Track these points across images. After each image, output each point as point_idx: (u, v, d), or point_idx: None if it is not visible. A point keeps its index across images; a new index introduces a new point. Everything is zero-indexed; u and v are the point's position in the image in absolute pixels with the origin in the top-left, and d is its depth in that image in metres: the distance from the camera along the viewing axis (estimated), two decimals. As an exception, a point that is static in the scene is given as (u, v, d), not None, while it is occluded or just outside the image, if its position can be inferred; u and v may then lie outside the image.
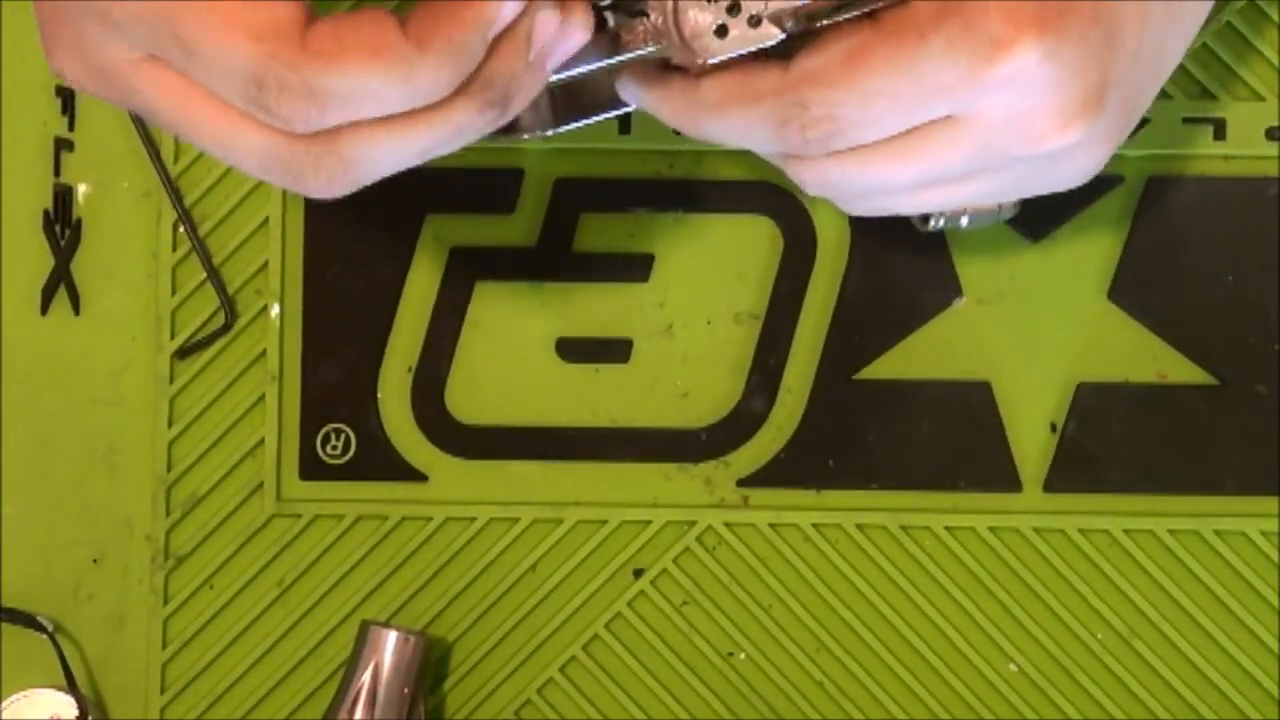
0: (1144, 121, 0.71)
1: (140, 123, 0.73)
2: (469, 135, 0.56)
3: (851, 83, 0.56)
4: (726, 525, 0.72)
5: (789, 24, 0.57)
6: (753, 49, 0.57)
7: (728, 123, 0.58)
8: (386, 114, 0.55)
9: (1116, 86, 0.57)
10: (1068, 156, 0.58)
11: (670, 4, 0.57)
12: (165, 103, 0.57)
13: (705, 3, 0.57)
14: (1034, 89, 0.55)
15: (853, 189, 0.59)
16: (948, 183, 0.58)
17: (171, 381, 0.73)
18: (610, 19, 0.58)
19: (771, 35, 0.57)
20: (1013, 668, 0.72)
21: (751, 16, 0.57)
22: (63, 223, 0.73)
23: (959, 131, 0.56)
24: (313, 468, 0.73)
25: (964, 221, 0.62)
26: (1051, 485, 0.72)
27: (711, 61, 0.57)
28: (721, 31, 0.57)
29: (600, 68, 0.58)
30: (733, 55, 0.57)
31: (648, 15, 0.58)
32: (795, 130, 0.57)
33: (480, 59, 0.55)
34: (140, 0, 0.55)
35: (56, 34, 0.59)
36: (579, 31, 0.56)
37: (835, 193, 0.59)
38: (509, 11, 0.54)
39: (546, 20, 0.55)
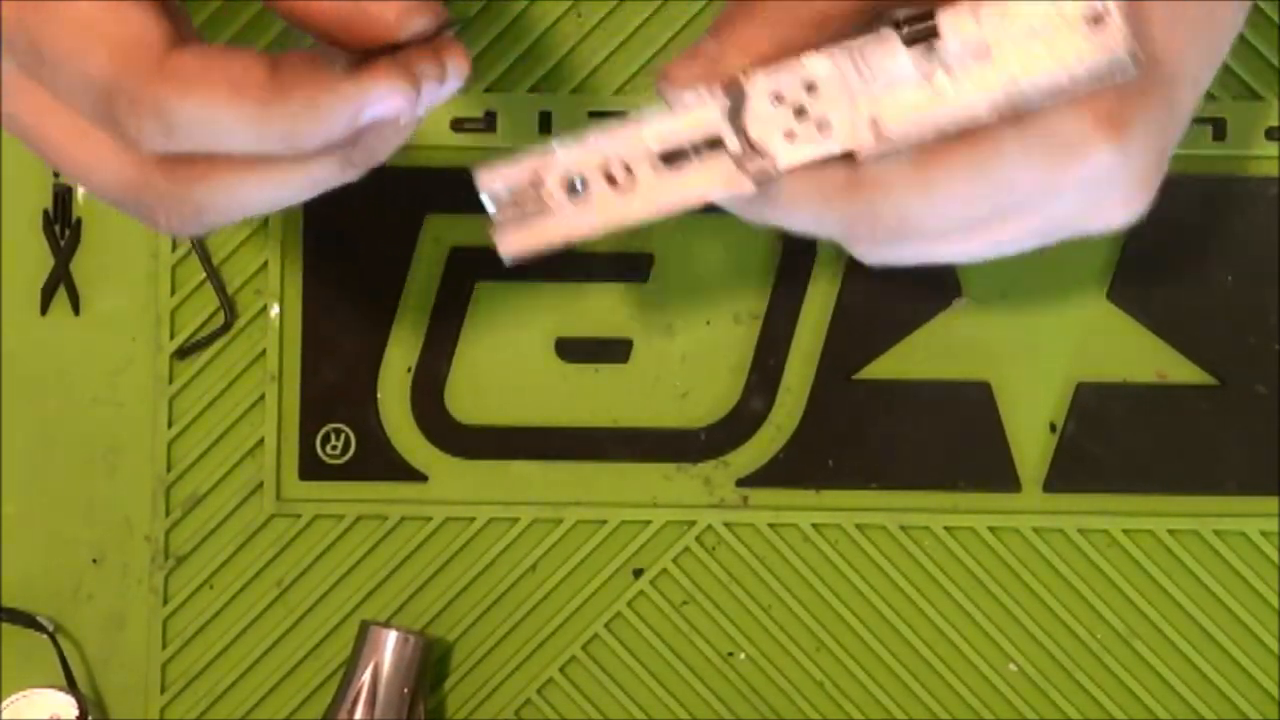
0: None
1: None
2: (327, 187, 0.55)
3: (924, 189, 0.55)
4: (726, 525, 0.72)
5: None
6: (823, 156, 0.55)
7: (794, 218, 0.57)
8: (239, 154, 0.54)
9: (1171, 147, 0.57)
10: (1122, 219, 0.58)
11: (727, 103, 0.55)
12: (29, 119, 0.56)
13: (771, 105, 0.55)
14: (1106, 183, 0.55)
15: (913, 262, 0.59)
16: (1000, 248, 0.58)
17: (171, 381, 0.73)
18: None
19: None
20: (1012, 668, 0.72)
21: (820, 120, 0.55)
22: (62, 223, 0.73)
23: (1027, 218, 0.56)
24: (312, 468, 0.73)
25: None
26: (1051, 485, 0.72)
27: (782, 168, 0.55)
28: (789, 136, 0.55)
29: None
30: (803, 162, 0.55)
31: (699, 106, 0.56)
32: (865, 229, 0.56)
33: (344, 130, 0.54)
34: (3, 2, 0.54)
35: None
36: (455, 82, 0.55)
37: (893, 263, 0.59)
38: (382, 110, 0.54)
39: (428, 93, 0.54)
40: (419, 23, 0.54)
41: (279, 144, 0.54)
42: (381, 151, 0.55)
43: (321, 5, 0.54)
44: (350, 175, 0.55)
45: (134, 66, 0.53)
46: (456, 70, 0.55)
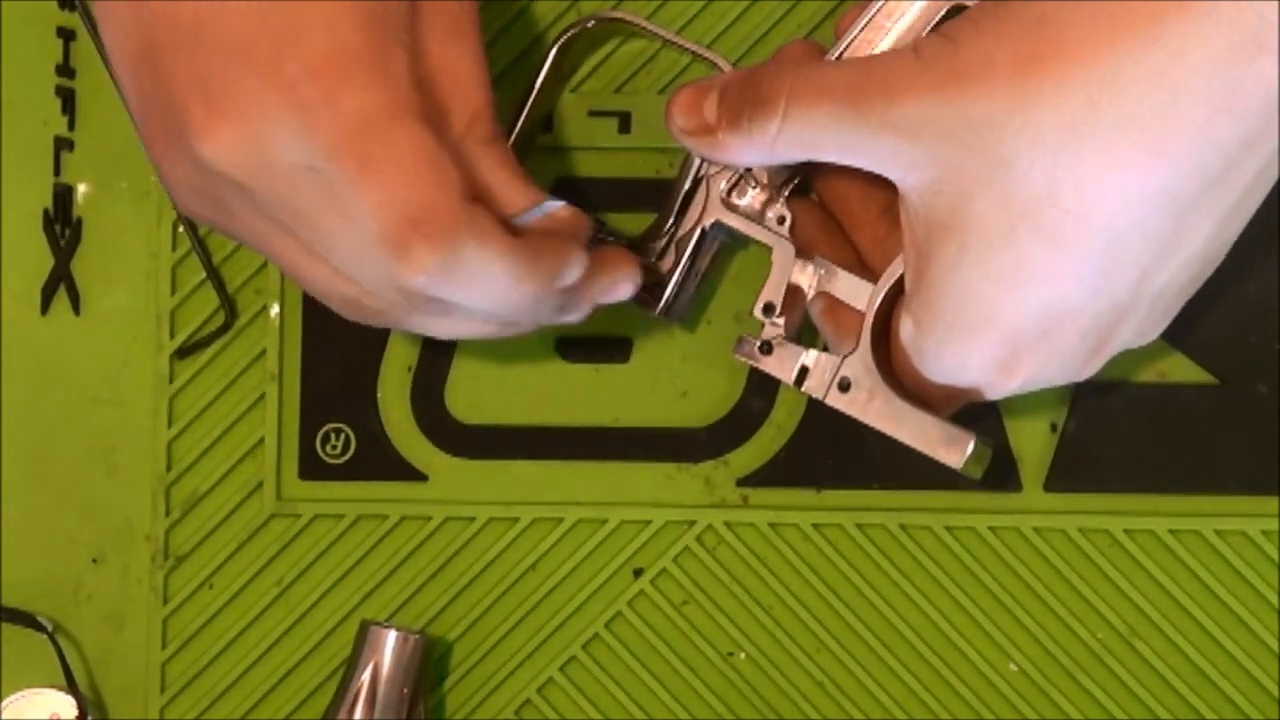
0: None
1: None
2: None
3: None
4: (726, 525, 0.72)
5: None
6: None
7: None
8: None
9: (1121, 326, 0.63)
10: None
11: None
12: (286, 263, 0.64)
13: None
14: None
15: None
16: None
17: (171, 381, 0.73)
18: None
19: None
20: (1013, 667, 0.72)
21: None
22: (63, 222, 0.73)
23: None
24: (312, 467, 0.73)
25: None
26: (1052, 485, 0.72)
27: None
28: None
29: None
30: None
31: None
32: None
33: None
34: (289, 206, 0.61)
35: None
36: (626, 289, 0.67)
37: None
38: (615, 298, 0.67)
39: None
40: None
41: (526, 309, 0.64)
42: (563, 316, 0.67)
43: None
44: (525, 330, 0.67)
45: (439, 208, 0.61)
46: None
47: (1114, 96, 0.57)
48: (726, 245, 0.71)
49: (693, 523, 0.72)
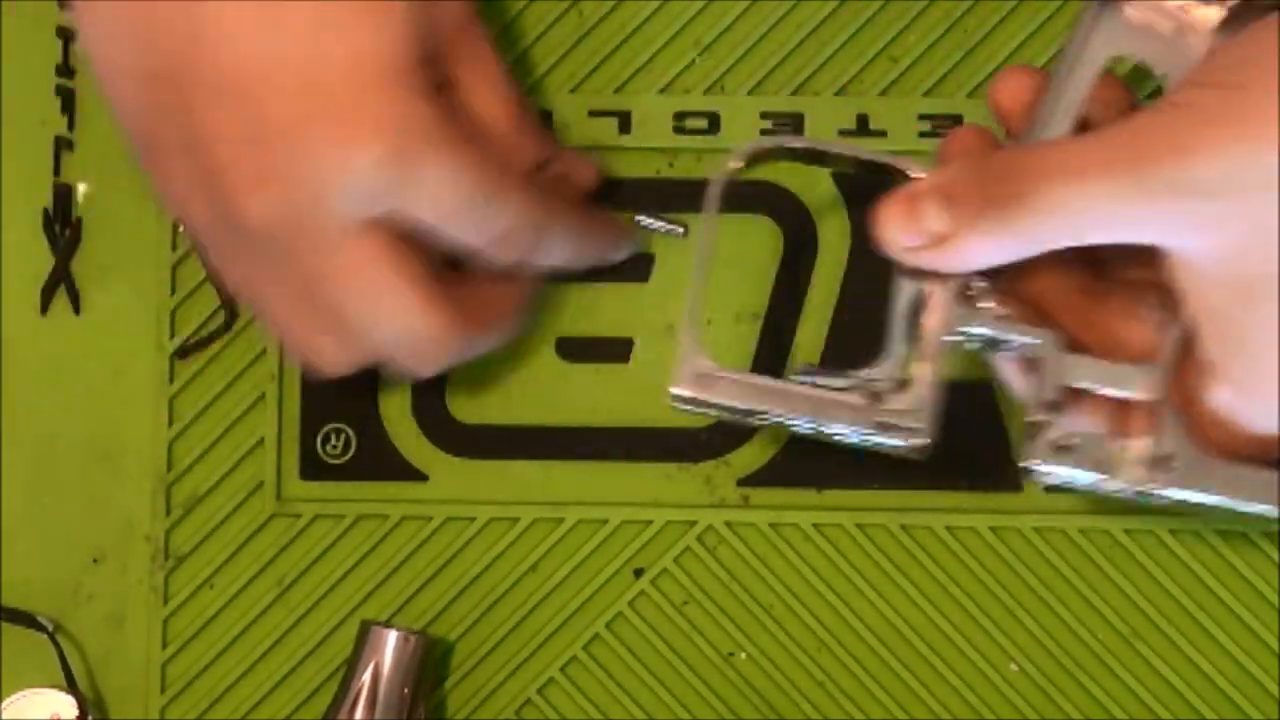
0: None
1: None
2: None
3: None
4: (727, 525, 0.72)
5: None
6: None
7: None
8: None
9: None
10: None
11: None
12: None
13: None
14: None
15: None
16: None
17: (172, 381, 0.73)
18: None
19: None
20: (1013, 667, 0.72)
21: None
22: (63, 222, 0.73)
23: None
24: (313, 467, 0.73)
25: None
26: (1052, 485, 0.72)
27: None
28: None
29: None
30: None
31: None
32: None
33: None
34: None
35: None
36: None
37: None
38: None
39: None
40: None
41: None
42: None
43: None
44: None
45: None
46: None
47: None
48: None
49: (693, 523, 0.72)
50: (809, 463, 0.72)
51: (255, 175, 0.62)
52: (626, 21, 0.73)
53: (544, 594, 0.72)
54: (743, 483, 0.73)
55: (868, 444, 0.63)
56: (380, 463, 0.73)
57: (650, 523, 0.72)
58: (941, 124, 0.73)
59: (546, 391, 0.73)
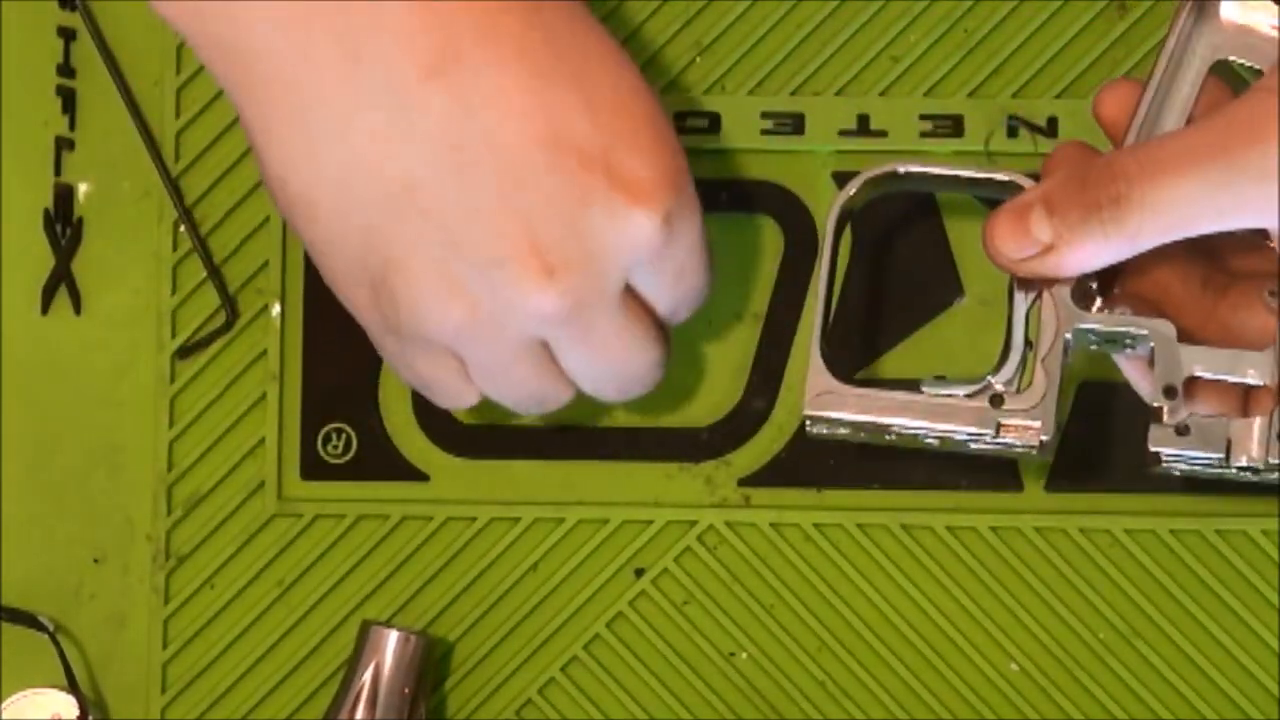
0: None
1: (142, 121, 0.73)
2: None
3: None
4: (728, 524, 0.72)
5: None
6: None
7: None
8: None
9: None
10: None
11: None
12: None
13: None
14: None
15: None
16: None
17: (172, 381, 0.73)
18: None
19: None
20: (1014, 667, 0.72)
21: None
22: (63, 222, 0.73)
23: None
24: (314, 467, 0.73)
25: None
26: (1053, 484, 0.72)
27: None
28: None
29: None
30: None
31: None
32: None
33: None
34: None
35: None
36: None
37: None
38: None
39: None
40: None
41: None
42: None
43: None
44: None
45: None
46: None
47: None
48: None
49: (694, 522, 0.72)
50: (809, 463, 0.72)
51: (542, 268, 0.62)
52: (627, 22, 0.73)
53: (544, 594, 0.72)
54: (743, 483, 0.73)
55: (994, 449, 0.64)
56: (381, 463, 0.73)
57: (651, 523, 0.72)
58: (942, 124, 0.73)
59: (547, 391, 0.73)
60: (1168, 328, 0.63)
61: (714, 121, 0.73)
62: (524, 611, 0.72)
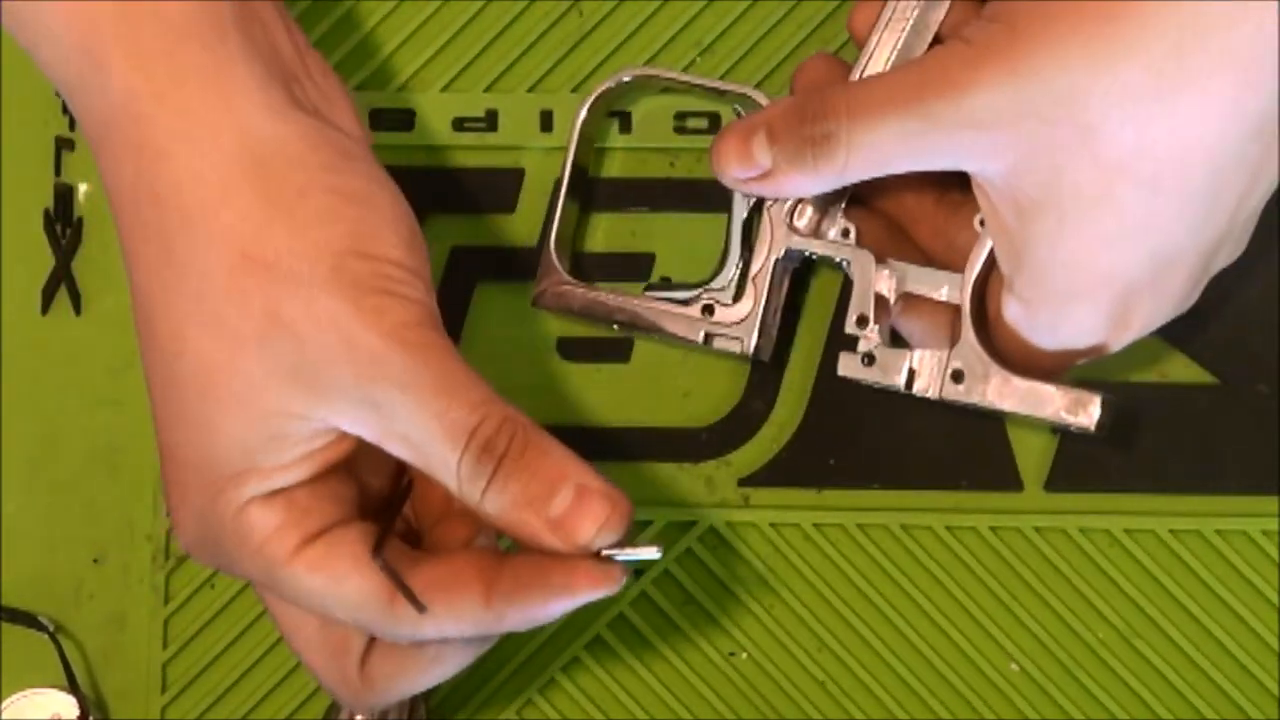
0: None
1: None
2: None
3: None
4: (727, 525, 0.72)
5: None
6: None
7: None
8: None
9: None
10: None
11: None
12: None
13: None
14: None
15: None
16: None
17: (172, 381, 0.73)
18: None
19: None
20: (1014, 667, 0.72)
21: None
22: (63, 222, 0.73)
23: None
24: (314, 467, 0.73)
25: None
26: (1052, 484, 0.72)
27: None
28: None
29: None
30: None
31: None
32: None
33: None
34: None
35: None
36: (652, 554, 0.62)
37: None
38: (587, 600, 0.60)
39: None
40: (610, 538, 0.60)
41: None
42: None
43: (530, 530, 0.61)
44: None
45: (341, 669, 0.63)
46: (653, 551, 0.61)
47: (1200, 35, 0.58)
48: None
49: (694, 523, 0.72)
50: (809, 463, 0.72)
51: None
52: (627, 21, 0.73)
53: (544, 594, 0.72)
54: (743, 483, 0.73)
55: (707, 349, 0.69)
56: (381, 463, 0.73)
57: (651, 523, 0.72)
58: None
59: (546, 391, 0.73)
60: (866, 257, 0.67)
61: (714, 121, 0.73)
62: (524, 611, 0.72)
